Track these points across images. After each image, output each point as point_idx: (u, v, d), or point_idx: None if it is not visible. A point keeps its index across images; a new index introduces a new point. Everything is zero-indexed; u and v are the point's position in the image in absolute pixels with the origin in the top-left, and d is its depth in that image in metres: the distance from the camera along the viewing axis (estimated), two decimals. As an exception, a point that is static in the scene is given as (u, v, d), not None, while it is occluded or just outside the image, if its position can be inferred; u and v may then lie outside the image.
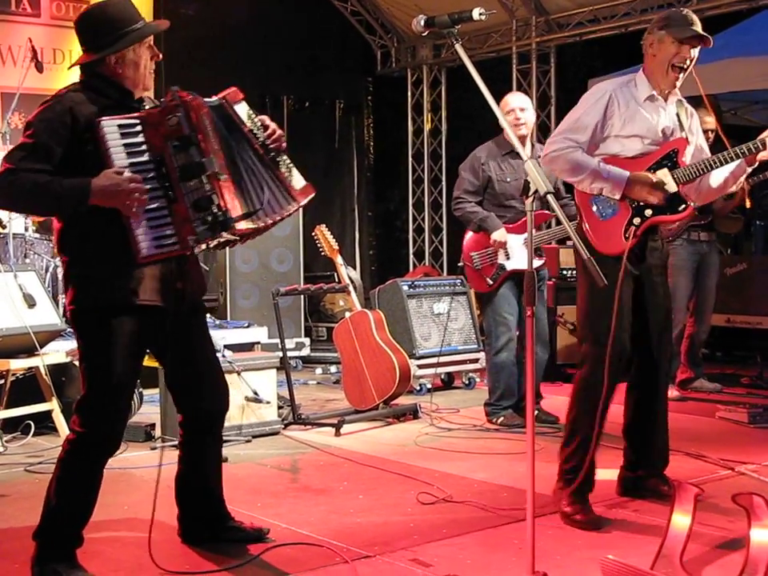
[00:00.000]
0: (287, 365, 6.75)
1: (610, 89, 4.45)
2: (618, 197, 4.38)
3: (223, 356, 5.99)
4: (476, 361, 8.22)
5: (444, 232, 12.71)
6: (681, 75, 4.37)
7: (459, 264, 6.82)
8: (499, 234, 6.39)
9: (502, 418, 6.48)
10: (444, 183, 12.50)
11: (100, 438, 3.58)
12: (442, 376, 8.26)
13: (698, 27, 4.32)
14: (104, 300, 3.51)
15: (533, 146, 6.71)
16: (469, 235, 6.60)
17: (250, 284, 9.40)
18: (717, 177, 4.56)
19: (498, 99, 6.52)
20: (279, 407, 6.46)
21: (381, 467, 5.31)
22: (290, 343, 9.03)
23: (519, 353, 6.50)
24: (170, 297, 3.61)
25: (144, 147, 3.51)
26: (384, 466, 5.35)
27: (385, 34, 12.80)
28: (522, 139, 6.43)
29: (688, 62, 4.34)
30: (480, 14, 3.19)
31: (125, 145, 3.48)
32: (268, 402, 6.10)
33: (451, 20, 3.26)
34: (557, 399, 7.17)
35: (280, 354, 6.63)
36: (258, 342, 8.59)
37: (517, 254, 6.40)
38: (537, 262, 6.40)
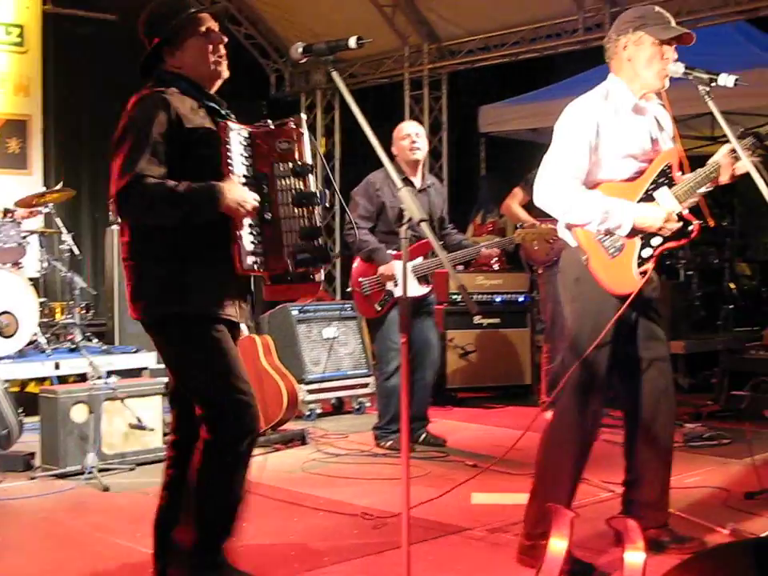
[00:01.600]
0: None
1: (592, 108, 4.06)
2: (625, 234, 4.02)
3: (106, 383, 5.88)
4: (366, 386, 8.21)
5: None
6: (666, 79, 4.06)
7: (348, 289, 6.82)
8: (386, 268, 6.37)
9: (390, 442, 6.47)
10: (337, 208, 12.49)
11: (244, 430, 3.51)
12: (332, 401, 8.23)
13: (675, 24, 4.05)
14: (191, 308, 3.45)
15: (423, 175, 6.73)
16: (358, 261, 6.58)
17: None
18: None
19: (392, 125, 6.59)
20: (166, 434, 6.35)
21: (265, 494, 5.24)
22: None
23: (411, 376, 6.50)
24: (239, 314, 3.59)
25: (249, 161, 3.51)
26: (269, 493, 5.29)
27: (279, 57, 12.77)
28: (416, 164, 6.51)
29: (671, 63, 4.01)
30: (357, 42, 3.19)
31: (242, 155, 3.48)
32: (152, 429, 6.00)
33: (328, 48, 3.26)
34: (446, 423, 7.23)
35: (167, 379, 6.52)
36: (146, 368, 8.44)
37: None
38: (424, 289, 6.44)
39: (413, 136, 6.49)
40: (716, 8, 8.73)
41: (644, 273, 4.05)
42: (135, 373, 8.17)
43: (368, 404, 8.22)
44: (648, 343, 4.20)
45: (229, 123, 3.46)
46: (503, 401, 8.68)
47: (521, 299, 9.03)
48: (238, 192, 3.38)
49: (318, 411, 7.86)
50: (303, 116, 3.57)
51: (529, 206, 7.06)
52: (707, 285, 10.73)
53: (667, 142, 4.25)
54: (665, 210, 4.03)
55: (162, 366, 7.62)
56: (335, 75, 3.23)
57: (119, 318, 9.11)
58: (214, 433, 3.46)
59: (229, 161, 3.42)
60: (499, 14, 10.48)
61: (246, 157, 3.49)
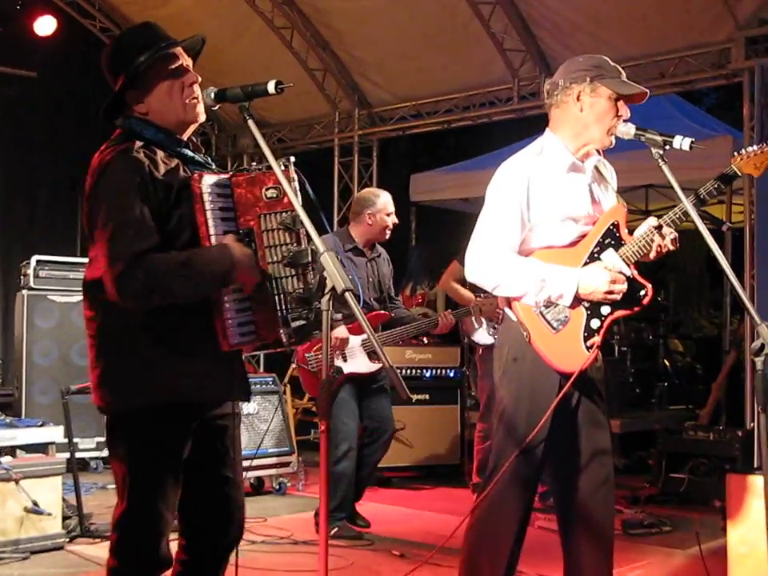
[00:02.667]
0: (75, 469, 6.13)
1: (523, 167, 3.71)
2: (569, 303, 3.66)
3: (-1, 462, 5.37)
4: (288, 464, 7.73)
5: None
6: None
7: (293, 365, 6.35)
8: (340, 331, 5.96)
9: (335, 529, 5.97)
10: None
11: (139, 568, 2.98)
12: (251, 480, 7.73)
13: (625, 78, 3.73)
14: (164, 396, 2.93)
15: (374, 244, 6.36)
16: None
17: (48, 378, 8.65)
18: None
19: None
20: (66, 517, 5.84)
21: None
22: (91, 443, 8.41)
23: (360, 452, 6.13)
24: (224, 394, 3.08)
25: (231, 214, 3.00)
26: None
27: (205, 122, 12.36)
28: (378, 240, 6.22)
29: (621, 123, 3.68)
30: (276, 87, 2.82)
31: (221, 208, 2.96)
32: (49, 514, 5.47)
33: (244, 93, 2.89)
34: (372, 506, 6.80)
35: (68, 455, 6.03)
36: (53, 443, 7.87)
37: (355, 356, 6.03)
38: (374, 365, 6.05)
39: (393, 216, 6.19)
40: (652, 79, 8.56)
41: (592, 346, 3.67)
42: (41, 448, 7.58)
43: (289, 484, 7.74)
44: (589, 431, 3.79)
45: (203, 174, 2.98)
46: (431, 481, 8.36)
47: (451, 374, 8.77)
48: (244, 250, 2.93)
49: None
50: (292, 158, 3.07)
51: (464, 281, 6.75)
52: (641, 361, 10.54)
53: (611, 198, 3.90)
54: (609, 269, 3.67)
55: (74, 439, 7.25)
56: (251, 124, 2.87)
57: (26, 389, 8.60)
58: (113, 557, 3.00)
59: (206, 218, 2.93)
60: (432, 80, 10.24)
61: (226, 210, 2.99)
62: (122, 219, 2.84)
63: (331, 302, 2.61)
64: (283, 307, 3.01)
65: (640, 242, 3.71)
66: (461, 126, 10.72)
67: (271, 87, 2.82)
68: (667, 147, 3.53)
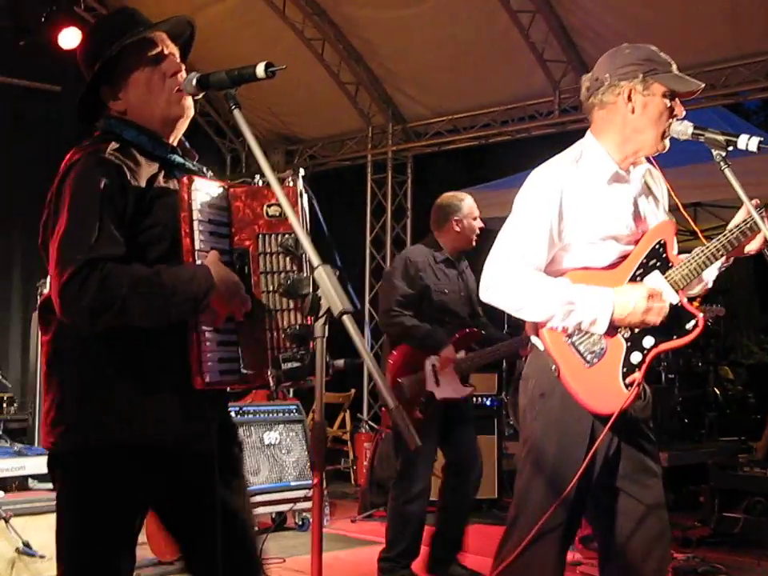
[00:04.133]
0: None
1: (557, 176, 3.21)
2: (603, 330, 3.16)
3: (-13, 498, 4.95)
4: (310, 498, 7.23)
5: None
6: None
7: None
8: (448, 351, 5.37)
9: None
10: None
11: None
12: (272, 516, 7.25)
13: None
14: (121, 435, 2.48)
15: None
16: (394, 357, 5.51)
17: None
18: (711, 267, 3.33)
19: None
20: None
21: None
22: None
23: (455, 494, 5.57)
24: (201, 432, 2.61)
25: (224, 230, 2.56)
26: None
27: (235, 137, 12.06)
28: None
29: (675, 122, 3.19)
30: (267, 71, 2.36)
31: (212, 221, 2.53)
32: (42, 556, 5.02)
33: (230, 78, 2.42)
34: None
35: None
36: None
37: (446, 379, 5.42)
38: (465, 390, 5.47)
39: (479, 220, 5.66)
40: (703, 90, 8.07)
41: (632, 384, 3.14)
42: (45, 478, 7.21)
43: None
44: (637, 481, 3.27)
45: (194, 178, 2.55)
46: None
47: (488, 402, 8.28)
48: (225, 272, 2.49)
49: (256, 528, 6.87)
50: (301, 171, 2.67)
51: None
52: (690, 389, 9.98)
53: (659, 213, 3.38)
54: (645, 287, 3.15)
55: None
56: (237, 114, 2.41)
57: (40, 415, 8.20)
58: None
59: (190, 228, 2.49)
60: (469, 93, 9.84)
61: (218, 224, 2.56)
62: (81, 223, 2.41)
63: (326, 327, 2.14)
64: (275, 345, 2.56)
65: (690, 264, 3.20)
66: (499, 141, 10.29)
67: (260, 70, 2.36)
68: (730, 148, 3.04)
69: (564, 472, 3.15)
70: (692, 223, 3.89)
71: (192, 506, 2.66)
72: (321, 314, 2.13)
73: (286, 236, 2.58)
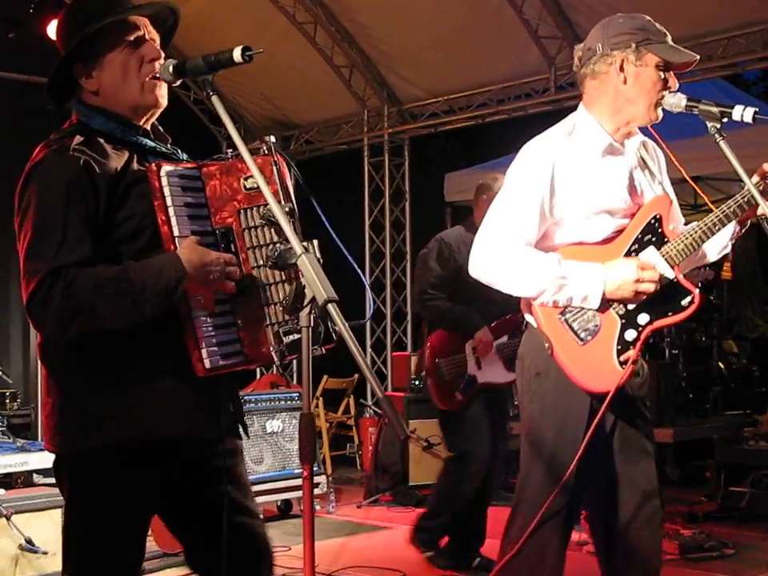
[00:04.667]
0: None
1: (549, 149, 3.17)
2: (596, 305, 3.12)
3: (-13, 495, 4.93)
4: (317, 485, 7.21)
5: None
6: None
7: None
8: (483, 333, 5.29)
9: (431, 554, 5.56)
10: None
11: None
12: (278, 503, 7.23)
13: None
14: (123, 434, 2.43)
15: None
16: (432, 339, 5.48)
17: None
18: (713, 240, 3.27)
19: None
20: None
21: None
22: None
23: (486, 485, 5.48)
24: (214, 428, 2.56)
25: (203, 211, 2.49)
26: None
27: (214, 126, 11.97)
28: None
29: (669, 94, 3.13)
30: (243, 55, 2.30)
31: (188, 204, 2.45)
32: (45, 552, 4.99)
33: (207, 64, 2.36)
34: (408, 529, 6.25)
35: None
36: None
37: (491, 362, 5.34)
38: (510, 375, 5.25)
39: None
40: (698, 63, 7.98)
41: (626, 362, 3.10)
42: (48, 473, 7.19)
43: (318, 506, 7.21)
44: (631, 459, 3.25)
45: (161, 164, 2.46)
46: (473, 499, 7.73)
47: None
48: (197, 255, 2.40)
49: (261, 516, 6.84)
50: (271, 138, 2.59)
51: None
52: (694, 364, 9.91)
53: (656, 187, 3.33)
54: (636, 259, 3.11)
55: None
56: (215, 100, 2.36)
57: (42, 410, 8.17)
58: None
59: (166, 215, 2.42)
60: (464, 73, 9.74)
61: (195, 207, 2.49)
62: (45, 229, 2.36)
63: (312, 317, 2.09)
64: (273, 320, 2.50)
65: (687, 239, 3.15)
66: (496, 121, 10.20)
67: (237, 55, 2.30)
68: (725, 120, 2.99)
69: (562, 454, 3.12)
70: (701, 193, 3.82)
71: (201, 498, 2.61)
72: (305, 303, 2.08)
73: (268, 207, 2.45)
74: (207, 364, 2.42)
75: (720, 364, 10.30)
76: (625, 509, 3.22)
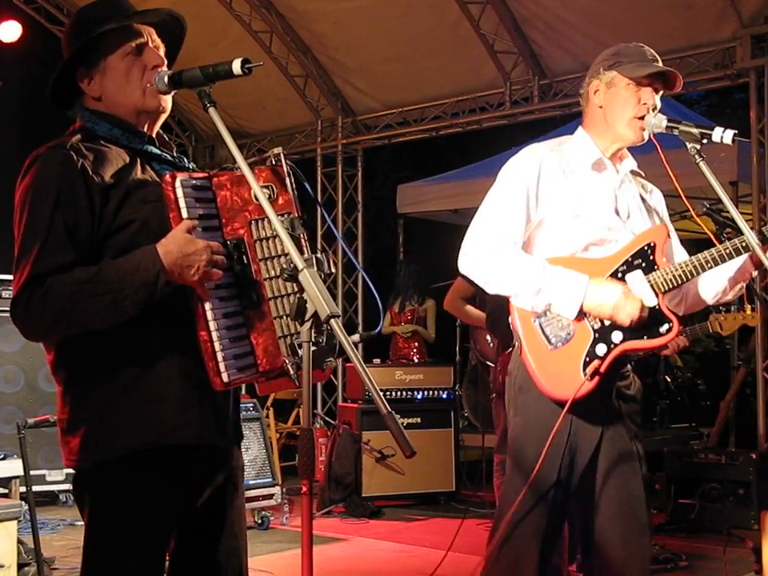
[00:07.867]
0: (32, 511, 5.56)
1: (537, 155, 3.26)
2: (573, 315, 3.15)
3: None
4: (270, 497, 7.17)
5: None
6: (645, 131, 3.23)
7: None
8: None
9: None
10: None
11: None
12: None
13: (660, 63, 3.24)
14: (138, 441, 2.39)
15: None
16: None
17: (14, 407, 8.07)
18: (709, 281, 3.34)
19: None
20: (24, 565, 5.28)
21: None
22: (59, 474, 7.79)
23: None
24: (214, 435, 2.52)
25: (214, 222, 2.44)
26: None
27: (182, 132, 11.92)
28: None
29: (651, 111, 3.19)
30: (243, 68, 2.30)
31: (201, 216, 2.41)
32: (2, 566, 4.90)
33: (204, 75, 2.36)
34: (360, 542, 6.26)
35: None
36: (16, 477, 7.30)
37: None
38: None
39: None
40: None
41: (593, 374, 3.10)
42: (2, 482, 7.05)
43: (273, 518, 7.17)
44: (616, 473, 3.23)
45: (176, 175, 2.41)
46: (426, 510, 7.83)
47: (444, 395, 8.26)
48: (176, 245, 2.34)
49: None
50: (279, 149, 2.56)
51: (472, 299, 6.23)
52: (640, 378, 9.98)
53: (653, 219, 3.40)
54: (621, 289, 3.13)
55: (40, 471, 6.70)
56: (212, 112, 2.34)
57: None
58: None
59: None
60: (419, 86, 9.78)
61: (208, 218, 2.45)
62: (29, 234, 2.35)
63: (313, 332, 2.09)
64: (286, 332, 2.47)
65: (676, 270, 3.17)
66: (450, 134, 10.28)
67: (236, 67, 2.30)
68: (705, 141, 3.03)
69: (544, 469, 3.13)
70: (687, 204, 3.82)
71: (213, 506, 2.59)
72: (307, 317, 2.07)
73: (281, 217, 2.45)
74: (225, 378, 2.38)
75: (666, 378, 10.44)
76: (610, 523, 3.22)
